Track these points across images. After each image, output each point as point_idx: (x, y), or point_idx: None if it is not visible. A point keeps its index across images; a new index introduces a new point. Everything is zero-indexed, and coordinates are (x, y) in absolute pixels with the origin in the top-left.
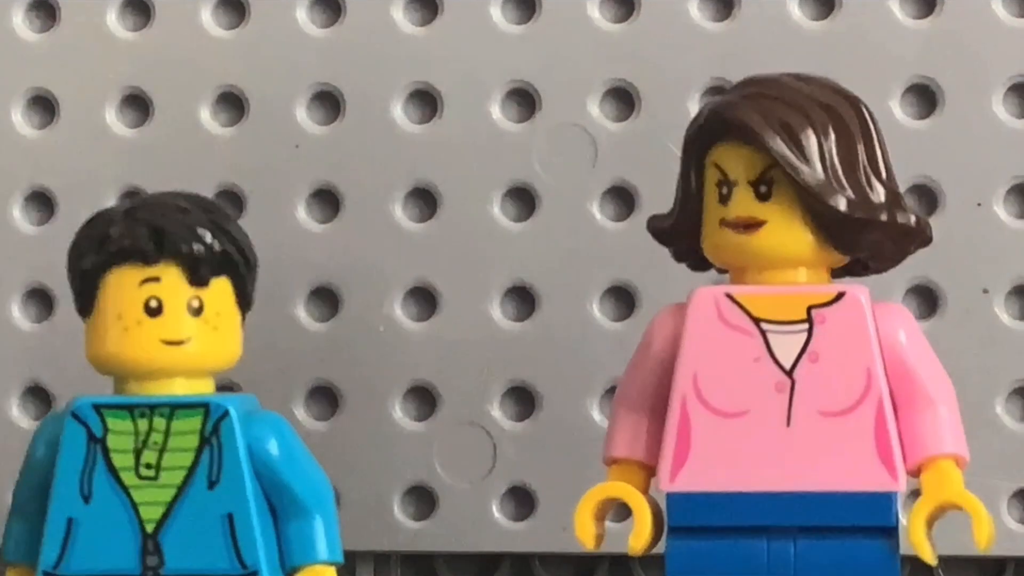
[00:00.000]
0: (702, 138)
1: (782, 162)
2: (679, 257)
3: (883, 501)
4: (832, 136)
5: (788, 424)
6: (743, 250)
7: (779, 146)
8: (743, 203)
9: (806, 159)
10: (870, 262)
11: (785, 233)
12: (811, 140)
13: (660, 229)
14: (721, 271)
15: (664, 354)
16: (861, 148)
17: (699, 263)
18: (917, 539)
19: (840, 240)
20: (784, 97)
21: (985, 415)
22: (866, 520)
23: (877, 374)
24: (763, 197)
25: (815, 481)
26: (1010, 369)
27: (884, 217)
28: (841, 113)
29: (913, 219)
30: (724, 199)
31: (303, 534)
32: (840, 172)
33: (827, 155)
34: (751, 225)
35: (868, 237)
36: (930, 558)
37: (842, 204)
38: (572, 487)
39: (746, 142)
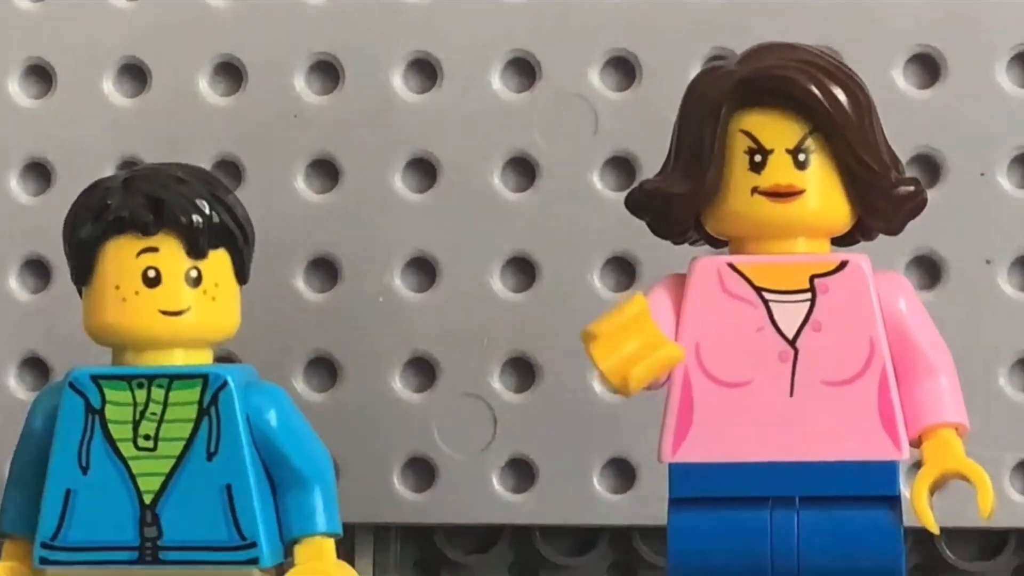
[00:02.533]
0: (728, 105)
1: (837, 124)
2: (666, 227)
3: (886, 470)
4: (863, 101)
5: (791, 394)
6: (779, 218)
7: (831, 111)
8: (782, 171)
9: (853, 125)
10: (875, 231)
11: (822, 201)
12: (854, 105)
13: (669, 194)
14: (718, 243)
15: (662, 325)
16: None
17: (679, 233)
18: (921, 507)
19: (873, 207)
20: (817, 63)
21: (988, 386)
22: (869, 489)
23: (880, 343)
24: (801, 165)
25: (818, 451)
26: (1013, 340)
27: (913, 187)
28: (859, 82)
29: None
30: (757, 167)
31: (302, 506)
32: (877, 138)
33: (867, 121)
34: (790, 194)
35: (906, 207)
36: (933, 527)
37: (885, 170)
38: (573, 459)
39: (793, 109)
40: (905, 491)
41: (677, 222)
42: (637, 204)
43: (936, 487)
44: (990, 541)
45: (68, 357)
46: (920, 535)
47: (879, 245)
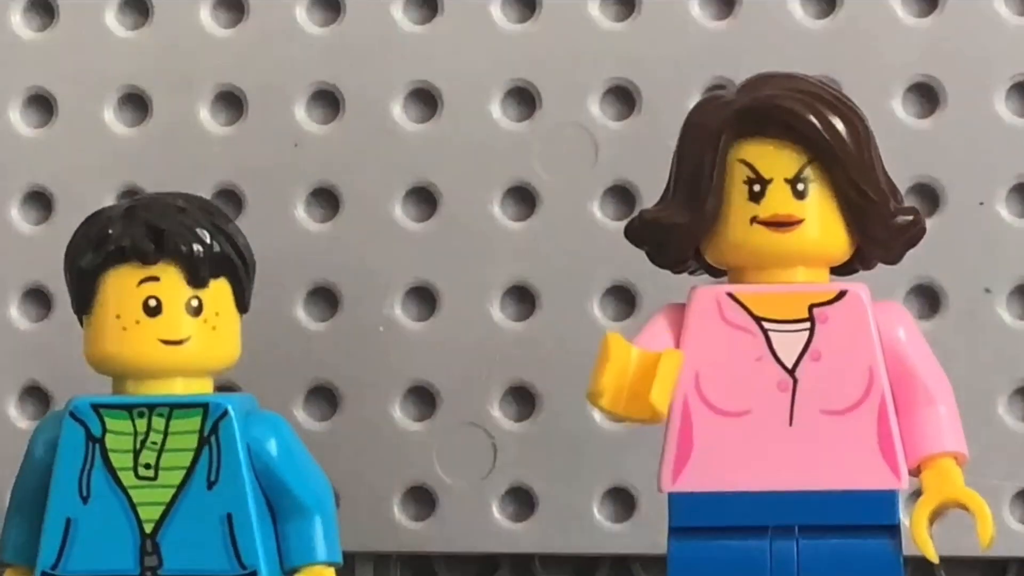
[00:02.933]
0: (727, 134)
1: (835, 154)
2: (666, 256)
3: (886, 499)
4: (862, 131)
5: (790, 423)
6: (778, 248)
7: (830, 141)
8: (781, 201)
9: (852, 154)
10: (874, 260)
11: (821, 230)
12: (853, 135)
13: (668, 224)
14: (717, 273)
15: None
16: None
17: (679, 263)
18: (920, 537)
19: (871, 236)
20: (816, 93)
21: (987, 415)
22: (869, 519)
23: (879, 372)
24: (800, 195)
25: (818, 480)
26: (1012, 369)
27: (912, 216)
28: (858, 112)
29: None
30: (756, 196)
31: (302, 534)
32: (876, 168)
33: (865, 151)
34: (789, 223)
35: (904, 236)
36: (933, 556)
37: (884, 199)
38: (573, 488)
39: (791, 139)
40: (904, 520)
41: (676, 251)
42: (636, 234)
43: (935, 516)
44: (989, 570)
45: (69, 386)
46: (919, 564)
47: (878, 274)
